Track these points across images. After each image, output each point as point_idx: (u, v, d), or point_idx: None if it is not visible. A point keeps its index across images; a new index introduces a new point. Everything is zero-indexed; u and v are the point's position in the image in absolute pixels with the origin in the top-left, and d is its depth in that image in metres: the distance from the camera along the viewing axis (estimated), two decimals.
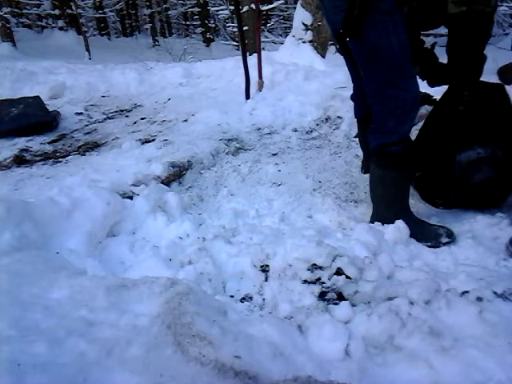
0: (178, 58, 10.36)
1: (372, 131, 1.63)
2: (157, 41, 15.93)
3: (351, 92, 1.95)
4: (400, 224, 1.59)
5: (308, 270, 1.27)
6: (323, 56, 4.99)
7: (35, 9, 12.33)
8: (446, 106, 1.70)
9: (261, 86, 3.34)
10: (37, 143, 2.86)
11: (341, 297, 1.23)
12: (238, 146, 2.56)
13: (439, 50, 1.80)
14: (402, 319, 1.05)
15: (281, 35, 13.24)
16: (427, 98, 1.95)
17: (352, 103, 1.98)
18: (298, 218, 1.86)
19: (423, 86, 1.70)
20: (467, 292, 1.14)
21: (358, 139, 2.09)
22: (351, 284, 1.25)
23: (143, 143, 2.67)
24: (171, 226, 1.67)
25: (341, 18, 1.49)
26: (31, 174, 2.34)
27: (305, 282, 1.26)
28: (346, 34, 1.51)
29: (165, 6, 19.15)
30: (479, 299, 1.09)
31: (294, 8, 5.98)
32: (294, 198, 2.01)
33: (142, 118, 3.30)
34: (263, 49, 4.61)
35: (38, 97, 3.32)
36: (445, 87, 1.74)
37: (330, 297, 1.22)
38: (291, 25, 5.45)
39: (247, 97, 3.20)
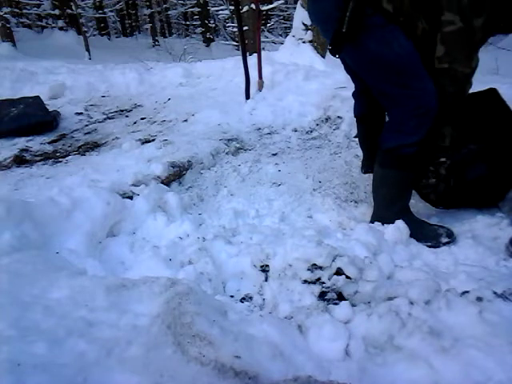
0: (178, 58, 10.35)
1: (389, 130, 1.59)
2: (157, 41, 15.91)
3: (351, 91, 1.95)
4: (400, 224, 1.58)
5: (308, 270, 1.27)
6: (323, 56, 4.99)
7: (35, 9, 12.32)
8: None
9: (261, 86, 3.34)
10: (37, 143, 2.86)
11: (341, 297, 1.23)
12: (238, 145, 2.56)
13: None
14: (402, 319, 1.05)
15: (281, 35, 13.23)
16: None
17: (352, 103, 1.97)
18: (298, 218, 1.86)
19: None
20: (467, 292, 1.14)
21: (357, 139, 2.08)
22: (351, 284, 1.25)
23: (143, 143, 2.67)
24: (171, 226, 1.67)
25: (330, 34, 1.47)
26: (31, 173, 2.34)
27: (305, 282, 1.26)
28: (334, 51, 1.51)
29: (165, 5, 19.15)
30: (479, 299, 1.09)
31: (294, 8, 5.98)
32: (294, 198, 2.01)
33: (142, 118, 3.30)
34: (263, 49, 4.61)
35: (38, 97, 3.32)
36: None
37: (330, 297, 1.22)
38: (291, 25, 5.45)
39: (247, 97, 3.20)
